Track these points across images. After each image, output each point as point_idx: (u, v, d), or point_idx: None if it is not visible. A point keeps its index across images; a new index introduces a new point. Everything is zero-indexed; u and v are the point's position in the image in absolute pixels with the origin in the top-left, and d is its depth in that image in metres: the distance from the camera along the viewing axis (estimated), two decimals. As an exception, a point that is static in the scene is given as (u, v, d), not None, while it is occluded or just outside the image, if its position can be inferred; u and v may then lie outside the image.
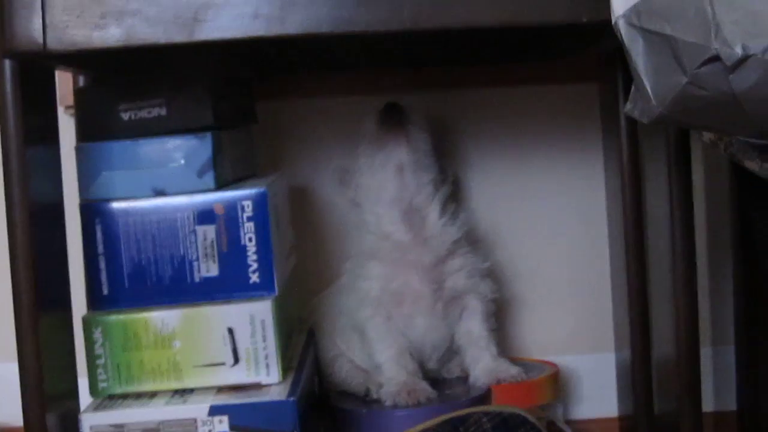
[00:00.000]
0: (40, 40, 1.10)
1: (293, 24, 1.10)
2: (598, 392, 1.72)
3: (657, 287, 1.44)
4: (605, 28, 1.03)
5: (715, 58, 0.87)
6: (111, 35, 1.10)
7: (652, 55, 0.94)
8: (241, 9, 1.10)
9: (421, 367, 1.50)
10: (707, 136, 1.22)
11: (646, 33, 0.94)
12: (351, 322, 1.52)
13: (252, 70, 1.58)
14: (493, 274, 1.57)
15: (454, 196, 1.57)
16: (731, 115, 0.91)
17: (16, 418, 1.21)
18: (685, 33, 0.90)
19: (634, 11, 0.95)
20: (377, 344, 1.48)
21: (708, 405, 1.47)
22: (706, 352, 1.65)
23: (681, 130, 1.27)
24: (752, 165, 1.17)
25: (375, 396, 1.46)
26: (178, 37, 1.10)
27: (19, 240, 1.17)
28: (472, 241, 1.56)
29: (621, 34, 0.97)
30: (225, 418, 1.22)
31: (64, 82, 1.52)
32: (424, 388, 1.44)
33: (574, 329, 1.75)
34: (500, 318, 1.70)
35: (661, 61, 0.93)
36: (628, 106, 1.02)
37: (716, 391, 1.72)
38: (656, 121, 0.97)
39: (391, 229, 1.49)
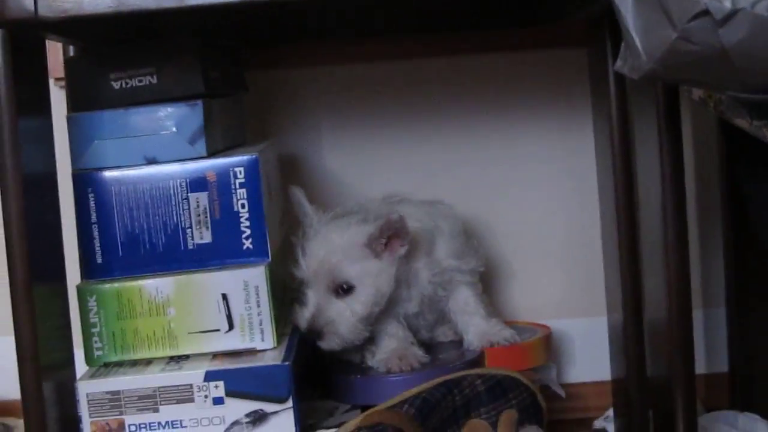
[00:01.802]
0: (32, 8, 1.10)
1: (283, -13, 1.10)
2: (590, 355, 1.73)
3: (648, 250, 1.44)
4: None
5: (705, 12, 0.87)
6: (102, 1, 1.10)
7: (641, 10, 0.95)
8: (232, -27, 1.10)
9: (414, 334, 1.51)
10: (696, 93, 1.22)
11: (636, -12, 0.95)
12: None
13: (242, 39, 1.58)
14: (479, 244, 1.58)
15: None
16: (721, 70, 0.92)
17: (13, 390, 1.21)
18: (675, -12, 0.90)
19: (622, -33, 0.96)
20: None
21: (700, 367, 1.48)
22: (697, 315, 1.66)
23: (670, 90, 1.27)
24: (742, 123, 1.18)
25: (369, 364, 1.47)
26: (168, 2, 1.10)
27: (12, 211, 1.18)
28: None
29: (610, -9, 0.98)
30: (221, 384, 1.23)
31: (53, 54, 1.51)
32: (416, 353, 1.45)
33: (565, 293, 1.76)
34: (492, 283, 1.72)
35: (650, 16, 0.93)
36: (619, 62, 1.03)
37: (708, 353, 1.73)
38: (646, 76, 0.97)
39: None
